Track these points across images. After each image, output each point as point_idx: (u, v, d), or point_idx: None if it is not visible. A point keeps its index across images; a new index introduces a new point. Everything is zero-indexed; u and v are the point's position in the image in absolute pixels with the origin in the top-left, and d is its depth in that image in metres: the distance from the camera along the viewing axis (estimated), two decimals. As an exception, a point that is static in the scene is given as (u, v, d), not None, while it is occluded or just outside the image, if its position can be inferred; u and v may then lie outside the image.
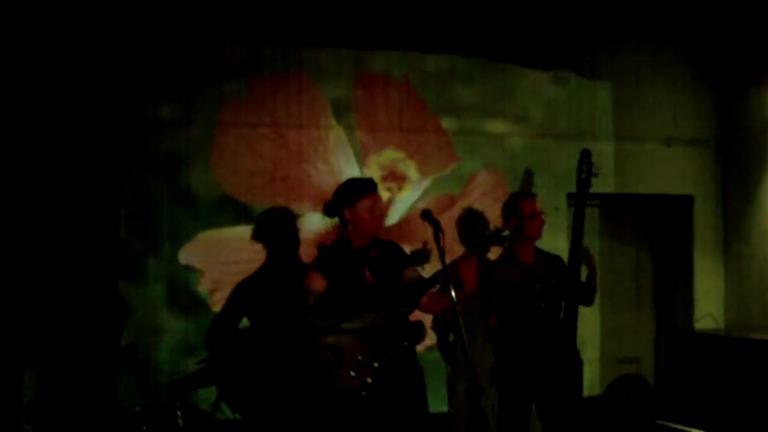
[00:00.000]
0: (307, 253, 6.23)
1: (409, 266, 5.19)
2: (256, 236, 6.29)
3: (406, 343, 4.95)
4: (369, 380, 4.73)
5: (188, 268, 6.22)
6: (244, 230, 6.30)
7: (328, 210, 5.08)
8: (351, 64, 6.64)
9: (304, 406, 5.37)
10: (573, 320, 5.70)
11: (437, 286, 4.84)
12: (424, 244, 4.66)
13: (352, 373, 4.72)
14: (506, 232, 4.95)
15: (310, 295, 4.90)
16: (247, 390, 5.68)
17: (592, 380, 7.03)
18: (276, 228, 6.35)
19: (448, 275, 4.63)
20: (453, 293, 4.54)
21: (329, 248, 5.18)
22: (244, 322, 6.27)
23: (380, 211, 5.10)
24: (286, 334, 5.65)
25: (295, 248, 6.31)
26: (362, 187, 5.05)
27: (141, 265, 6.17)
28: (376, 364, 4.75)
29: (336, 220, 5.09)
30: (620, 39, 7.23)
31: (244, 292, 6.24)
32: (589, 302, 5.83)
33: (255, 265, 6.27)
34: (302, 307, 4.87)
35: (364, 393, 4.72)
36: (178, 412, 5.31)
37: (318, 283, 4.92)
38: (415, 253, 5.20)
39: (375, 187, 5.08)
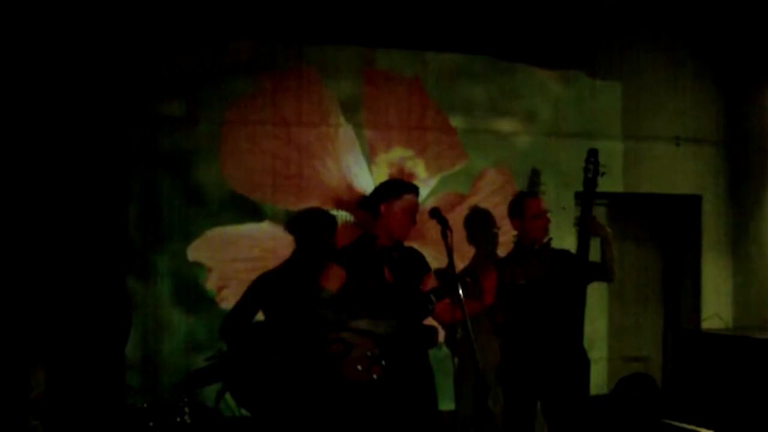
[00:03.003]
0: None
1: (428, 274, 5.20)
2: (290, 228, 6.35)
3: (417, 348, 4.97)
4: (375, 377, 4.74)
5: (196, 265, 6.23)
6: (252, 227, 6.32)
7: (365, 203, 5.12)
8: (360, 61, 6.64)
9: (311, 399, 5.38)
10: (580, 318, 5.69)
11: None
12: (448, 270, 4.66)
13: (359, 368, 4.73)
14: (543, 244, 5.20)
15: (328, 286, 4.91)
16: (254, 383, 5.68)
17: (599, 379, 7.02)
18: (313, 227, 6.39)
19: (455, 274, 4.63)
20: (461, 291, 4.54)
21: (353, 242, 5.20)
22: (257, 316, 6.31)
23: (413, 216, 5.07)
24: (298, 327, 5.66)
25: (324, 247, 6.34)
26: (405, 187, 5.12)
27: (149, 261, 6.19)
28: (384, 362, 4.76)
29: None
30: (629, 39, 7.23)
31: (264, 286, 6.26)
32: (609, 278, 5.73)
33: (263, 262, 6.29)
34: (317, 298, 4.88)
35: (368, 389, 4.73)
36: (186, 409, 5.32)
37: (337, 275, 4.93)
38: (438, 272, 5.21)
39: (417, 190, 5.13)
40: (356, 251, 5.07)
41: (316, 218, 6.42)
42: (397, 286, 5.00)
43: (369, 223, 5.19)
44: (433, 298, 4.88)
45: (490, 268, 4.99)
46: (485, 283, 4.96)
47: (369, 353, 4.75)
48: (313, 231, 6.40)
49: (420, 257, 5.27)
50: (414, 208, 5.06)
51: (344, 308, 4.85)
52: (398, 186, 5.15)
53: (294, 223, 6.37)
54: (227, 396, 5.72)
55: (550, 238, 5.47)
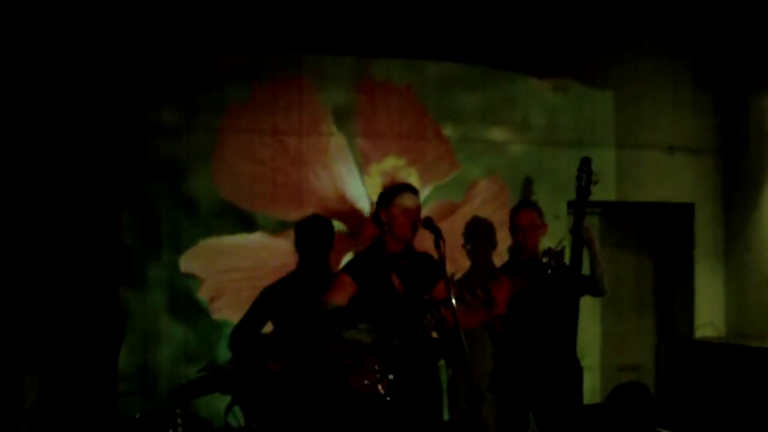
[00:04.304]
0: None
1: (442, 280, 5.02)
2: (295, 243, 6.36)
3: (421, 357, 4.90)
4: (382, 391, 4.69)
5: (189, 275, 6.22)
6: (245, 238, 6.31)
7: (374, 217, 5.09)
8: (352, 70, 6.64)
9: (318, 411, 5.34)
10: (573, 327, 5.69)
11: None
12: (464, 293, 4.64)
13: (366, 382, 4.69)
14: (546, 259, 5.03)
15: (338, 296, 4.87)
16: (263, 395, 5.61)
17: (592, 388, 7.03)
18: (313, 235, 6.38)
19: (449, 284, 4.60)
20: (453, 301, 4.51)
21: (363, 251, 5.17)
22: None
23: (414, 214, 4.98)
24: (307, 338, 5.61)
25: (328, 255, 6.37)
26: (398, 189, 5.08)
27: (142, 271, 6.16)
28: (391, 376, 4.71)
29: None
30: (622, 47, 7.24)
31: (272, 297, 6.26)
32: (598, 292, 5.72)
33: (255, 272, 6.28)
34: (327, 308, 4.85)
35: (376, 401, 4.68)
36: (179, 420, 5.30)
37: (347, 286, 4.90)
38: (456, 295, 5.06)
39: (410, 188, 5.09)
40: (366, 260, 5.04)
41: (317, 225, 6.42)
42: (406, 294, 4.94)
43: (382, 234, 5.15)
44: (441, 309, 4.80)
45: (502, 279, 4.90)
46: (496, 293, 4.88)
47: (376, 367, 4.71)
48: (316, 238, 6.39)
49: (433, 264, 5.12)
50: (411, 206, 4.98)
51: (354, 319, 4.81)
52: (392, 190, 5.11)
53: (296, 230, 6.37)
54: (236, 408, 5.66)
55: (550, 249, 5.35)
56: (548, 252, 5.09)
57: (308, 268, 6.31)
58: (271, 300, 6.26)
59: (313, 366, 5.47)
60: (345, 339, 4.75)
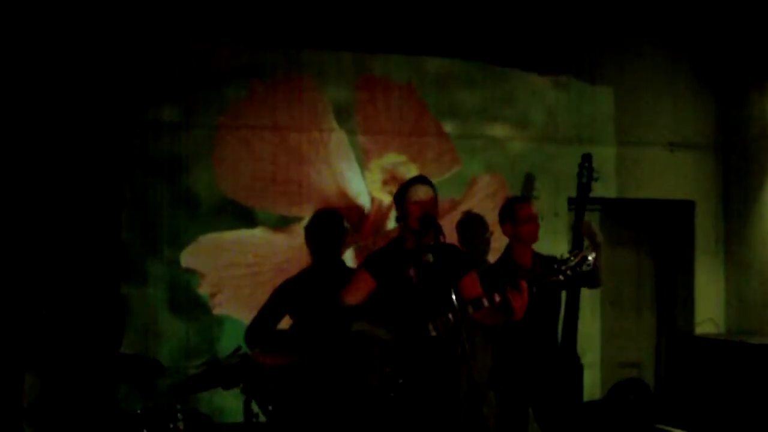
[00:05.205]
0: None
1: (469, 272, 4.94)
2: (306, 237, 6.36)
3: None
4: (391, 394, 4.62)
5: (189, 271, 6.23)
6: (245, 233, 6.32)
7: (397, 219, 5.02)
8: (353, 67, 6.64)
9: (330, 407, 5.31)
10: (573, 324, 5.69)
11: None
12: (482, 299, 4.54)
13: (377, 383, 4.64)
14: (575, 260, 4.69)
15: (356, 293, 4.83)
16: (262, 391, 5.57)
17: (592, 384, 7.03)
18: (326, 230, 6.39)
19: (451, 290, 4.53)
20: (453, 297, 4.47)
21: (384, 248, 5.13)
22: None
23: (427, 205, 4.84)
24: (324, 334, 5.56)
25: (341, 249, 6.39)
26: (410, 182, 5.01)
27: (142, 267, 6.18)
28: (400, 381, 4.65)
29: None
30: (622, 44, 7.24)
31: (288, 292, 6.25)
32: (594, 284, 5.73)
33: (256, 268, 6.29)
34: (345, 307, 4.80)
35: (387, 401, 4.62)
36: (179, 415, 5.30)
37: (366, 284, 4.86)
38: (473, 300, 4.89)
39: (423, 180, 4.99)
40: (385, 256, 4.98)
41: (330, 220, 6.43)
42: (422, 287, 4.78)
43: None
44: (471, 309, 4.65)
45: (523, 286, 4.74)
46: (515, 301, 4.69)
47: (388, 369, 4.65)
48: (329, 233, 6.40)
49: (460, 256, 5.06)
50: (423, 197, 4.86)
51: (371, 314, 4.75)
52: (405, 184, 5.03)
53: (308, 226, 6.38)
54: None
55: (578, 253, 4.87)
56: (577, 254, 4.70)
57: (323, 264, 6.30)
58: (287, 296, 6.26)
59: (325, 361, 5.44)
60: (363, 335, 4.69)
